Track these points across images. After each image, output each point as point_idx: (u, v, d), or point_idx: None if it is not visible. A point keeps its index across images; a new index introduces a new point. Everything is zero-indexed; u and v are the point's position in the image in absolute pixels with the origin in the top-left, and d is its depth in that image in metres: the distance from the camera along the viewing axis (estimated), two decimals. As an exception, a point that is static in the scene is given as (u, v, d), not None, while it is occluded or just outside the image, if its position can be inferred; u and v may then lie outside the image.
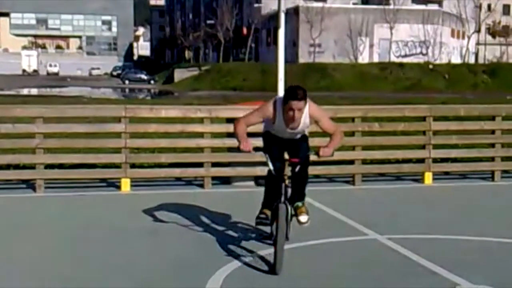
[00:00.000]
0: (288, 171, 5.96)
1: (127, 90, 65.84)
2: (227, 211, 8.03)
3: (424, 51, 65.02)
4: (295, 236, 6.15)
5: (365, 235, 6.87)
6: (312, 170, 6.29)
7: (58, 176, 9.43)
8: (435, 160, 10.16)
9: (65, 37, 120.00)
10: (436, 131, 10.09)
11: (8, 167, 9.49)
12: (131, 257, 6.01)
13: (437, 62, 62.83)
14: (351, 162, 9.81)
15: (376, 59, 63.38)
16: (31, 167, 9.21)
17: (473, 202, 8.94)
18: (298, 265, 5.65)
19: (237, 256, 5.93)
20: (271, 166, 5.78)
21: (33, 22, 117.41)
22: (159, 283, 5.34)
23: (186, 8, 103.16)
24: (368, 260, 6.03)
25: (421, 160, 10.11)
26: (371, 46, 64.13)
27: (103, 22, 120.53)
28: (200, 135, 9.51)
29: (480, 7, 71.79)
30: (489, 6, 75.22)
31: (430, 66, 60.32)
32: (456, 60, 66.92)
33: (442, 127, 10.27)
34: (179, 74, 70.36)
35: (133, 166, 9.44)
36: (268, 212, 5.93)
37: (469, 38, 68.94)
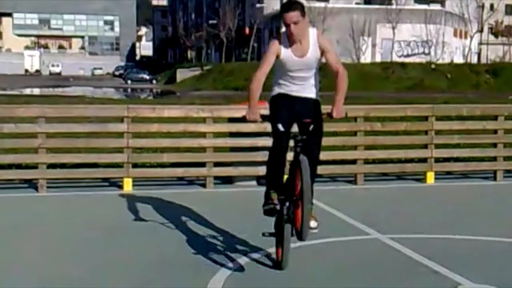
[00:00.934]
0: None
1: (129, 90, 65.89)
2: (229, 211, 8.04)
3: (426, 51, 64.96)
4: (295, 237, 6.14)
5: (367, 235, 6.87)
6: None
7: (60, 176, 9.44)
8: (437, 160, 10.16)
9: (68, 37, 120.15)
10: (438, 131, 10.09)
11: (10, 166, 9.51)
12: (132, 257, 6.02)
13: (440, 62, 62.74)
14: (353, 161, 9.81)
15: (378, 59, 63.33)
16: (34, 166, 9.22)
17: (475, 201, 8.94)
18: (300, 265, 5.65)
19: (239, 256, 5.93)
20: (280, 127, 5.38)
21: (36, 22, 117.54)
22: (161, 283, 5.35)
23: (188, 8, 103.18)
24: (370, 259, 6.03)
25: (423, 160, 10.11)
26: (374, 46, 64.10)
27: (106, 22, 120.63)
28: (202, 134, 9.51)
29: (482, 7, 71.68)
30: (491, 6, 75.11)
31: (433, 66, 60.25)
32: (458, 60, 66.83)
33: (444, 126, 10.27)
34: (181, 74, 70.40)
35: (135, 165, 9.45)
36: (275, 196, 5.51)
37: (471, 38, 68.85)
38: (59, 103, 17.16)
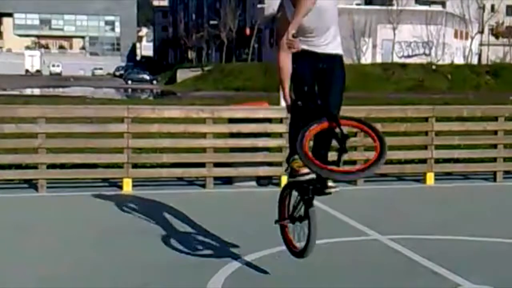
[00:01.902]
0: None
1: (129, 90, 65.92)
2: (229, 211, 8.03)
3: (427, 52, 64.93)
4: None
5: (366, 236, 6.87)
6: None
7: (60, 176, 9.44)
8: (437, 161, 10.16)
9: (68, 37, 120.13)
10: (438, 132, 10.08)
11: (10, 167, 9.51)
12: (132, 257, 6.01)
13: (440, 62, 62.73)
14: (353, 162, 9.80)
15: (379, 59, 63.31)
16: (34, 167, 9.22)
17: (475, 202, 8.94)
18: (300, 266, 5.65)
19: (238, 257, 5.92)
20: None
21: (36, 22, 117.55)
22: (160, 283, 5.34)
23: (189, 9, 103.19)
24: (370, 260, 6.02)
25: (423, 161, 10.11)
26: (374, 46, 64.08)
27: (106, 23, 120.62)
28: (203, 135, 9.51)
29: (483, 8, 71.69)
30: (492, 7, 75.08)
31: (433, 67, 60.25)
32: (459, 61, 66.81)
33: (445, 127, 10.27)
34: (182, 75, 70.40)
35: (135, 166, 9.45)
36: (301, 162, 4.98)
37: (472, 39, 68.83)
38: (60, 104, 17.17)
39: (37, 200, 8.73)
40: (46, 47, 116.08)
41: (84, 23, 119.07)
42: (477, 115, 10.56)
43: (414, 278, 5.51)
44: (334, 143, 4.96)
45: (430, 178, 9.96)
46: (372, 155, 4.96)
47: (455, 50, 68.39)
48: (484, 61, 72.49)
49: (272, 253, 5.89)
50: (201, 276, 5.41)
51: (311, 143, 4.97)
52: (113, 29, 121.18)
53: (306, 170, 4.98)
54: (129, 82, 77.51)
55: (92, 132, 9.45)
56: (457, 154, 10.41)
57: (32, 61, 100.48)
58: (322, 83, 5.16)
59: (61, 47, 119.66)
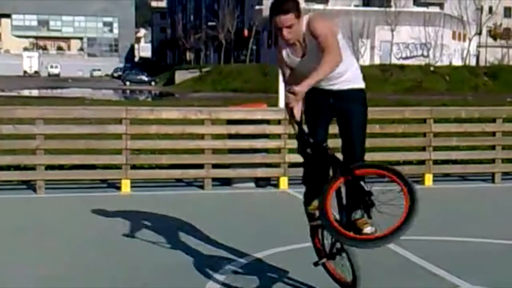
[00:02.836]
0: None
1: (128, 91, 65.91)
2: (227, 212, 8.03)
3: (425, 53, 65.02)
4: (296, 238, 6.15)
5: (365, 237, 6.85)
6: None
7: (59, 177, 9.44)
8: (435, 162, 10.16)
9: (66, 39, 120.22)
10: (436, 133, 10.09)
11: (8, 168, 9.50)
12: (130, 259, 6.01)
13: (438, 64, 62.81)
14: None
15: (377, 61, 63.37)
16: (32, 168, 9.22)
17: (473, 204, 8.94)
18: (299, 266, 5.64)
19: (237, 258, 5.92)
20: (310, 139, 4.43)
21: (35, 23, 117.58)
22: (159, 284, 5.34)
23: (187, 10, 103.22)
24: (368, 261, 6.01)
25: (421, 162, 10.11)
26: (372, 48, 64.14)
27: (104, 24, 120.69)
28: (201, 136, 9.52)
29: (481, 9, 71.75)
30: (490, 8, 75.14)
31: (431, 68, 60.32)
32: (457, 62, 66.90)
33: (443, 129, 10.28)
34: (180, 76, 70.43)
35: (133, 167, 9.45)
36: (316, 204, 4.58)
37: (470, 40, 68.93)
38: (58, 105, 17.16)
39: (35, 201, 8.72)
40: (44, 48, 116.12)
41: (82, 24, 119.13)
42: (475, 116, 10.57)
43: (413, 279, 5.51)
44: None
45: (428, 179, 9.96)
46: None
47: (453, 52, 68.49)
48: (482, 63, 72.57)
49: (271, 254, 5.88)
50: (200, 277, 5.40)
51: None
52: (111, 30, 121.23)
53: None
54: (128, 83, 77.49)
55: (91, 133, 9.44)
56: (455, 156, 10.42)
57: (30, 62, 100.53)
58: (339, 124, 4.70)
59: (59, 48, 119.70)
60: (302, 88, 4.18)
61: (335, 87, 4.58)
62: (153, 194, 9.07)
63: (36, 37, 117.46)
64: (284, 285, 5.34)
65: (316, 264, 4.87)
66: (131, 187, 9.22)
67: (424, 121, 10.05)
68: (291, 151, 8.89)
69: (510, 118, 10.35)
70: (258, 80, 53.70)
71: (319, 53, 4.30)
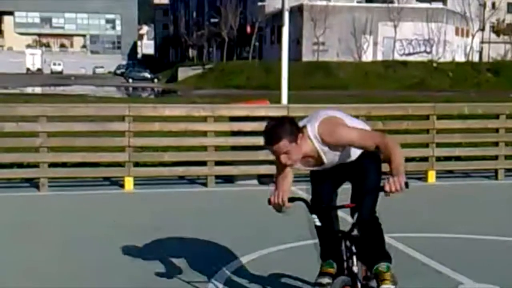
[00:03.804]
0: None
1: (130, 88, 65.94)
2: (230, 210, 8.03)
3: (428, 50, 64.89)
4: (296, 235, 6.14)
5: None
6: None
7: (62, 175, 9.44)
8: (438, 159, 10.15)
9: (69, 36, 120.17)
10: (439, 130, 10.07)
11: (11, 165, 9.51)
12: (133, 256, 6.01)
13: (441, 60, 62.68)
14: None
15: (380, 57, 63.27)
16: (35, 165, 9.23)
17: (476, 200, 8.93)
18: (301, 264, 5.64)
19: (240, 255, 5.92)
20: (314, 219, 4.18)
21: (37, 21, 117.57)
22: (162, 281, 5.34)
23: (190, 7, 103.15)
24: (371, 258, 6.01)
25: (424, 159, 10.10)
26: (375, 44, 64.02)
27: (107, 21, 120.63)
28: (204, 133, 9.51)
29: (484, 5, 71.61)
30: (493, 4, 74.99)
31: (434, 65, 60.21)
32: (460, 58, 66.77)
33: (446, 125, 10.26)
34: (183, 73, 70.41)
35: (136, 164, 9.45)
36: (332, 271, 4.36)
37: (473, 36, 68.79)
38: (61, 102, 17.16)
39: (38, 199, 8.73)
40: (47, 45, 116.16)
41: (85, 21, 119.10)
42: (478, 112, 10.55)
43: (416, 276, 5.50)
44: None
45: (431, 176, 9.95)
46: None
47: (456, 48, 68.36)
48: (485, 59, 72.46)
49: (273, 251, 5.88)
50: (203, 274, 5.41)
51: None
52: (113, 27, 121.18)
53: (326, 279, 4.38)
54: (130, 80, 77.53)
55: (94, 131, 9.44)
56: (458, 152, 10.40)
57: (33, 60, 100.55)
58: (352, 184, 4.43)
59: (62, 45, 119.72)
60: (399, 179, 3.89)
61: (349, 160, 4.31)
62: (156, 192, 9.07)
63: (39, 35, 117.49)
64: (287, 281, 5.34)
65: None
66: (134, 184, 9.22)
67: (427, 117, 10.03)
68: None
69: (513, 114, 10.33)
70: (260, 77, 53.65)
71: (341, 149, 4.12)
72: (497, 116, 10.25)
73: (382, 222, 4.56)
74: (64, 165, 9.56)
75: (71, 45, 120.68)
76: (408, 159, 10.26)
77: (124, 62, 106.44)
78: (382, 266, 4.36)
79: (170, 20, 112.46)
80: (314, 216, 4.16)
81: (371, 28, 63.08)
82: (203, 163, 9.49)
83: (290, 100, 11.08)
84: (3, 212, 7.93)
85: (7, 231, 6.96)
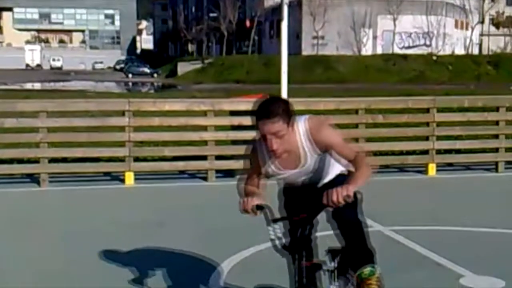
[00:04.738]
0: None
1: (130, 83, 65.90)
2: (230, 204, 8.02)
3: (427, 43, 64.82)
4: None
5: (369, 227, 6.85)
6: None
7: (62, 170, 9.45)
8: (438, 152, 10.15)
9: (68, 31, 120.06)
10: (439, 123, 10.07)
11: (12, 161, 9.52)
12: (134, 251, 6.02)
13: (441, 53, 62.64)
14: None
15: (379, 50, 63.23)
16: (35, 161, 9.23)
17: (476, 193, 8.93)
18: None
19: (241, 250, 5.93)
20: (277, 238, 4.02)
21: (36, 16, 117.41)
22: (163, 276, 5.35)
23: (188, 1, 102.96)
24: (372, 251, 6.02)
25: (424, 152, 10.10)
26: (375, 37, 63.97)
27: (106, 16, 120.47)
28: (204, 128, 9.51)
29: (483, -3, 71.54)
30: (493, -4, 74.91)
31: (434, 58, 60.17)
32: (459, 51, 66.71)
33: (446, 118, 10.26)
34: (182, 68, 70.34)
35: (136, 159, 9.46)
36: None
37: (472, 29, 68.71)
38: (60, 98, 17.16)
39: (39, 194, 8.74)
40: (46, 41, 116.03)
41: (83, 16, 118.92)
42: (478, 105, 10.55)
43: (417, 268, 5.52)
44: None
45: (432, 169, 9.96)
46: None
47: (455, 41, 68.28)
48: (484, 51, 72.39)
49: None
50: (204, 268, 5.42)
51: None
52: (112, 23, 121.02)
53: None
54: (130, 75, 77.43)
55: (94, 126, 9.45)
56: (458, 145, 10.41)
57: (33, 56, 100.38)
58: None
59: (61, 41, 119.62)
60: (352, 188, 3.60)
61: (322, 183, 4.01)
62: (157, 187, 9.08)
63: (38, 30, 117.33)
64: (288, 276, 5.34)
65: None
66: (135, 179, 9.22)
67: (427, 110, 10.03)
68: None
69: (513, 106, 10.33)
70: (260, 71, 53.61)
71: (319, 158, 3.83)
72: (497, 109, 10.25)
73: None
74: (64, 160, 9.56)
75: (70, 41, 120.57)
76: (408, 152, 10.29)
77: (124, 57, 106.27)
78: (366, 271, 4.14)
79: (169, 15, 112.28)
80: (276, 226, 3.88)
81: (370, 21, 63.01)
82: (203, 158, 9.50)
83: (290, 94, 11.07)
84: (3, 207, 7.94)
85: (8, 226, 6.97)
